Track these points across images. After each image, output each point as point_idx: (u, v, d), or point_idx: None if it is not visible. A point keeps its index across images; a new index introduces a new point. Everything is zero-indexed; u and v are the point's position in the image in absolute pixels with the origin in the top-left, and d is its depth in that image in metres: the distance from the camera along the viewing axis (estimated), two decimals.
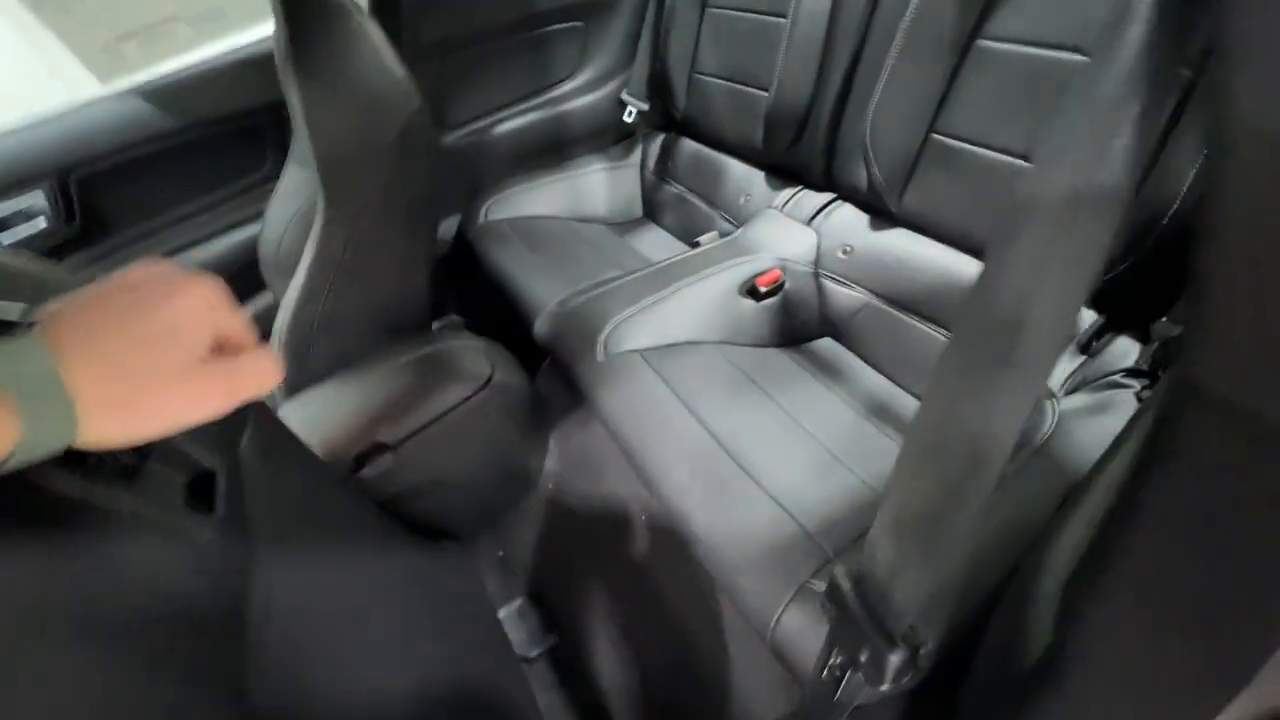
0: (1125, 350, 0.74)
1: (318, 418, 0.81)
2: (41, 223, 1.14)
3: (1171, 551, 0.29)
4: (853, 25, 0.99)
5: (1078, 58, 0.74)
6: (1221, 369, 0.26)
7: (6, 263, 0.46)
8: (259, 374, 0.32)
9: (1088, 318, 0.77)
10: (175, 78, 1.20)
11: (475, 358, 0.91)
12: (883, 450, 0.82)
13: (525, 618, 0.96)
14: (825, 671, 0.44)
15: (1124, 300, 0.73)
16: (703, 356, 0.95)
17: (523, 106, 1.46)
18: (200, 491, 0.46)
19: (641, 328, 0.97)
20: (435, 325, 1.21)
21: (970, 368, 0.34)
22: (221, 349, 0.32)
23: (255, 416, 0.56)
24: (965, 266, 0.90)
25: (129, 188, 1.22)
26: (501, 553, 1.01)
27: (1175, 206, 0.64)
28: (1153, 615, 0.31)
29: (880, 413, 0.90)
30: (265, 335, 1.09)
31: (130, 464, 0.40)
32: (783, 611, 0.61)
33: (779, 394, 0.90)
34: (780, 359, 1.01)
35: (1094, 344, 0.76)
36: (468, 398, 0.87)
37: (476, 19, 1.32)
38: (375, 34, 0.82)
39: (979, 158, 0.85)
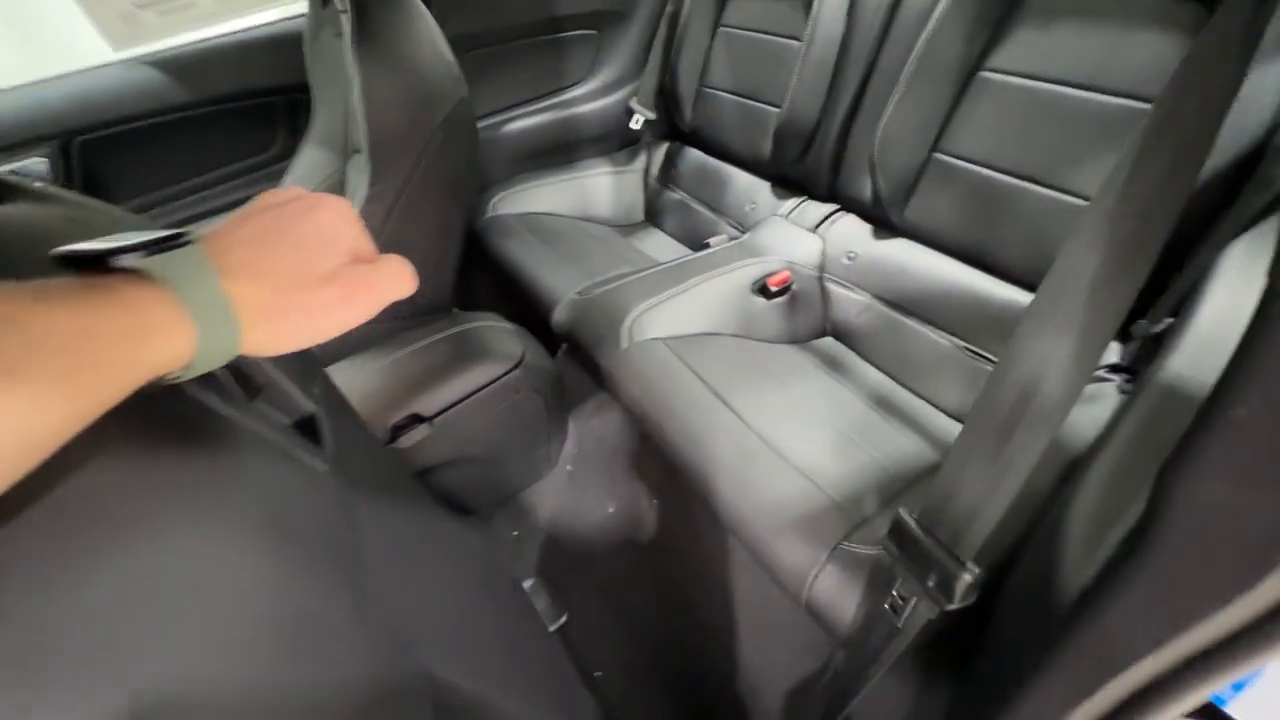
0: (1107, 349, 0.83)
1: (355, 387, 0.82)
2: (37, 185, 1.10)
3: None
4: (864, 51, 1.08)
5: (1070, 90, 0.84)
6: None
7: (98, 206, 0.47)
8: (397, 277, 0.34)
9: None
10: (189, 50, 1.19)
11: (507, 338, 0.94)
12: (891, 437, 0.89)
13: (537, 596, 0.98)
14: (887, 604, 0.49)
15: None
16: (722, 346, 1.00)
17: (534, 107, 1.50)
18: (306, 432, 0.48)
19: (662, 318, 1.01)
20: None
21: (1041, 333, 0.40)
22: (357, 262, 0.33)
23: (321, 374, 0.58)
24: (961, 274, 0.99)
25: (133, 157, 1.20)
26: (516, 532, 1.03)
27: None
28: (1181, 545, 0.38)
29: (885, 405, 0.97)
30: None
31: (249, 392, 0.42)
32: (819, 572, 0.66)
33: (794, 384, 0.96)
34: (791, 354, 1.07)
35: None
36: (502, 375, 0.89)
37: (496, 19, 1.36)
38: (431, 23, 0.86)
39: (977, 176, 0.95)
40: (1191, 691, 0.29)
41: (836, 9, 1.09)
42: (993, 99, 0.92)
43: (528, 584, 0.99)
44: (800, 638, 0.77)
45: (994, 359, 0.93)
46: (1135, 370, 0.79)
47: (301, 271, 0.30)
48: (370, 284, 0.32)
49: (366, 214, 0.87)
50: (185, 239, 0.28)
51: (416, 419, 0.83)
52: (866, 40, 1.07)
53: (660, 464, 0.97)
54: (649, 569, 0.99)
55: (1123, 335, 0.82)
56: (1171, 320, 0.72)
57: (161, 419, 0.31)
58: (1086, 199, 0.83)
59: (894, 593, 0.49)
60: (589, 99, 1.54)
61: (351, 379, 0.83)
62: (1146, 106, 0.78)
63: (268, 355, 0.31)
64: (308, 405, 0.49)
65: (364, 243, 0.34)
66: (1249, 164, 0.68)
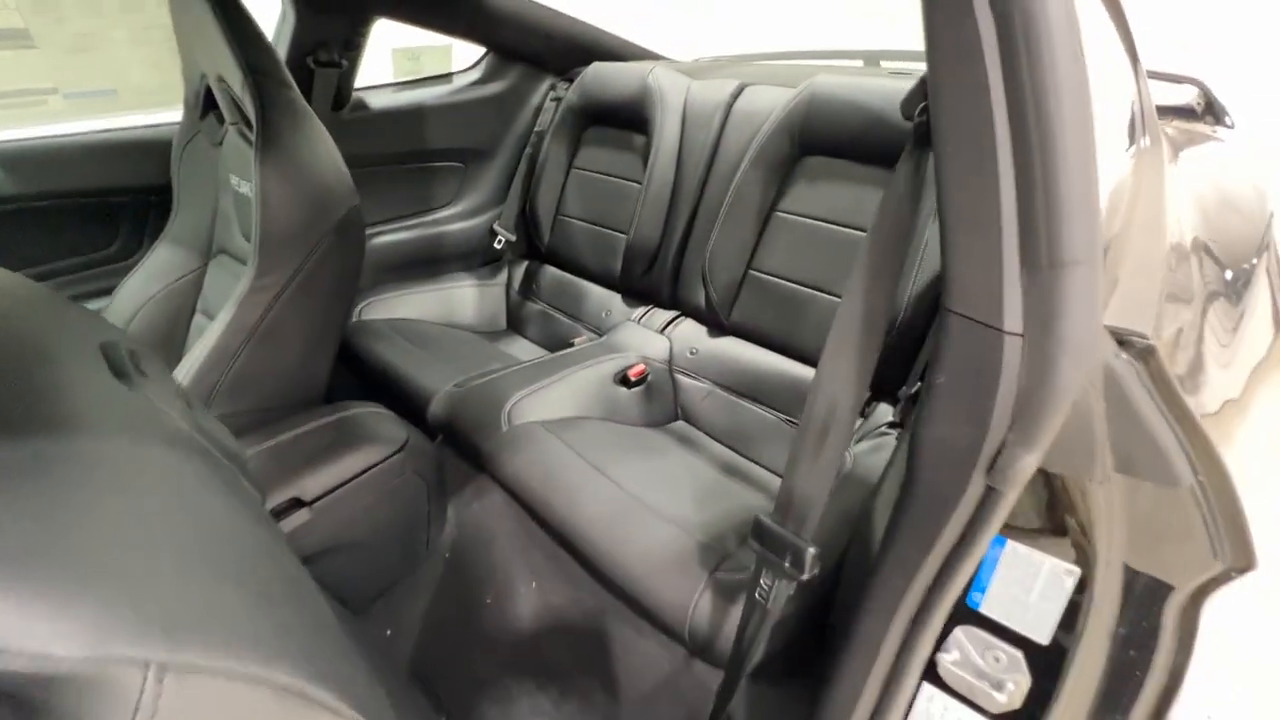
0: (884, 411, 1.10)
1: None
2: None
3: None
4: (690, 192, 1.37)
5: (833, 226, 1.16)
6: None
7: None
8: None
9: None
10: (28, 145, 1.15)
11: (390, 423, 0.97)
12: (739, 494, 1.05)
13: (414, 698, 0.94)
14: (756, 594, 0.61)
15: (880, 378, 1.10)
16: (593, 427, 1.12)
17: (402, 224, 1.61)
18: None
19: (538, 405, 1.11)
20: None
21: (832, 371, 0.59)
22: None
23: None
24: (777, 362, 1.23)
25: None
26: (390, 631, 0.98)
27: (900, 317, 1.03)
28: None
29: (731, 471, 1.14)
30: None
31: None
32: (698, 601, 0.76)
33: (657, 457, 1.10)
34: (650, 434, 1.22)
35: (865, 409, 1.11)
36: (386, 458, 0.91)
37: (371, 145, 1.49)
38: (328, 138, 0.96)
39: (781, 286, 1.23)
40: (954, 581, 0.45)
41: (668, 160, 1.39)
42: (787, 231, 1.23)
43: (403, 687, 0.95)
44: (685, 682, 0.84)
45: None
46: (905, 424, 1.05)
47: None
48: None
49: (247, 304, 0.89)
50: None
51: (297, 503, 0.82)
52: (692, 184, 1.37)
53: (541, 547, 1.02)
54: (530, 656, 1.00)
55: (892, 399, 1.09)
56: (920, 383, 1.00)
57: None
58: None
59: (761, 583, 0.61)
60: (454, 220, 1.69)
61: None
62: None
63: None
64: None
65: None
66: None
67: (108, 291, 1.20)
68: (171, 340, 1.17)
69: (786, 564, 0.58)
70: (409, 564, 1.00)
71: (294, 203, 0.89)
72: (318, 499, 0.84)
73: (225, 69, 0.91)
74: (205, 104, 1.09)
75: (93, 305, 1.20)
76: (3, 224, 1.11)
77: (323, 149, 0.93)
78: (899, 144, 1.09)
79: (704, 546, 0.84)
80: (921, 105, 0.52)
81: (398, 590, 1.00)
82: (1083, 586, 0.47)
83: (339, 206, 0.94)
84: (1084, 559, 0.47)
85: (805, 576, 0.57)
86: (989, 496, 0.43)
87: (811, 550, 0.57)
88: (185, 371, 0.86)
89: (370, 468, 0.89)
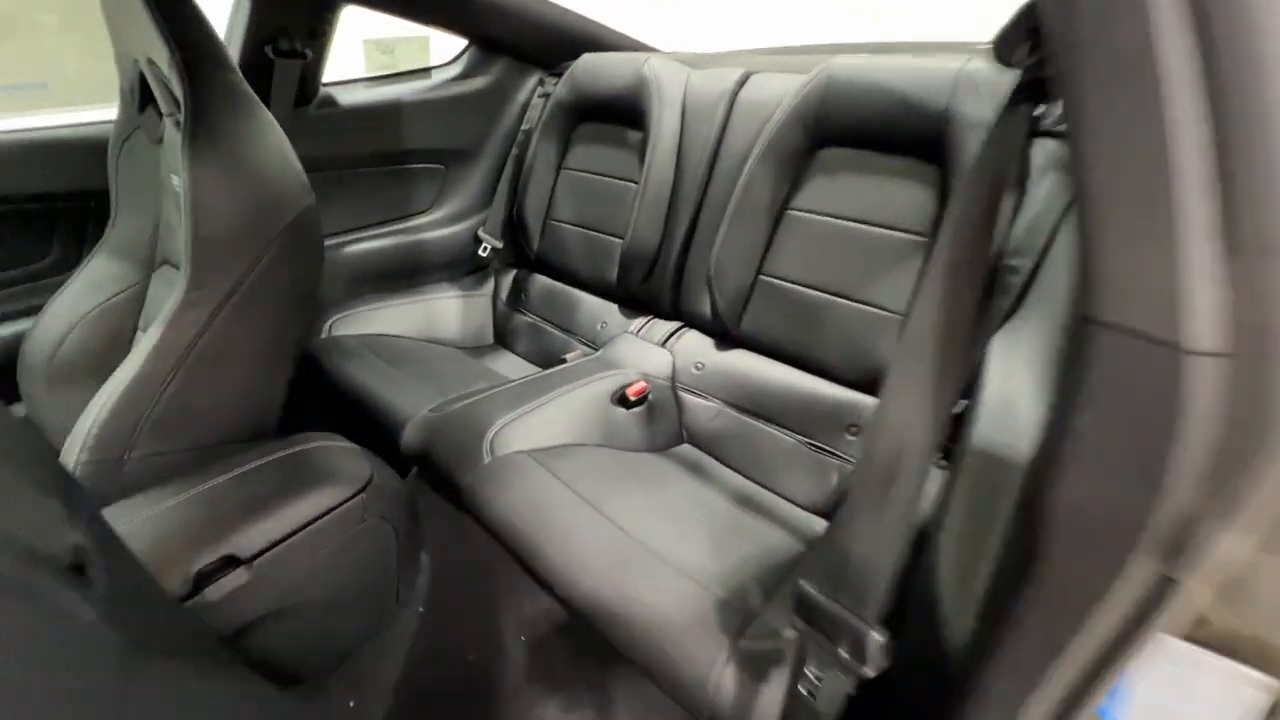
0: None
1: (148, 529, 0.65)
2: None
3: None
4: (692, 191, 1.24)
5: (854, 224, 1.04)
6: None
7: None
8: None
9: None
10: None
11: (351, 458, 0.83)
12: (758, 531, 0.91)
13: None
14: (801, 687, 0.48)
15: None
16: (588, 456, 0.98)
17: (377, 231, 1.48)
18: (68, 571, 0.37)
19: (525, 431, 0.98)
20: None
21: (901, 399, 0.46)
22: None
23: (89, 511, 0.47)
24: (793, 377, 1.10)
25: None
26: (353, 703, 0.84)
27: None
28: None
29: (746, 503, 1.01)
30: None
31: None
32: (720, 676, 0.63)
33: (661, 489, 0.96)
34: (653, 461, 1.08)
35: None
36: (344, 501, 0.77)
37: (343, 146, 1.36)
38: (278, 130, 0.83)
39: (796, 293, 1.10)
40: (1094, 691, 0.32)
41: (667, 157, 1.26)
42: (800, 231, 1.10)
43: None
44: None
45: (832, 450, 1.03)
46: (947, 449, 0.92)
47: None
48: None
49: (178, 322, 0.75)
50: None
51: (230, 562, 0.68)
52: (693, 182, 1.24)
53: (532, 592, 0.88)
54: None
55: None
56: (965, 402, 0.87)
57: None
58: (879, 307, 1.00)
59: (807, 672, 0.48)
60: (435, 226, 1.56)
61: (142, 519, 0.66)
62: (908, 236, 0.98)
63: None
64: (68, 539, 0.38)
65: None
66: (991, 277, 0.88)
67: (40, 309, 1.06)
68: (108, 365, 1.02)
69: (843, 651, 0.45)
70: (377, 622, 0.86)
71: (233, 201, 0.75)
72: (258, 555, 0.69)
73: (154, 48, 0.78)
74: (143, 95, 0.96)
75: (24, 325, 1.06)
76: None
77: (270, 140, 0.80)
78: (931, 132, 0.98)
79: (723, 605, 0.70)
80: (1028, 45, 0.39)
81: (363, 653, 0.86)
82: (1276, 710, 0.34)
83: (289, 207, 0.81)
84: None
85: (870, 672, 0.44)
86: (1162, 589, 0.30)
87: (878, 638, 0.43)
88: (101, 406, 0.73)
89: (324, 514, 0.75)
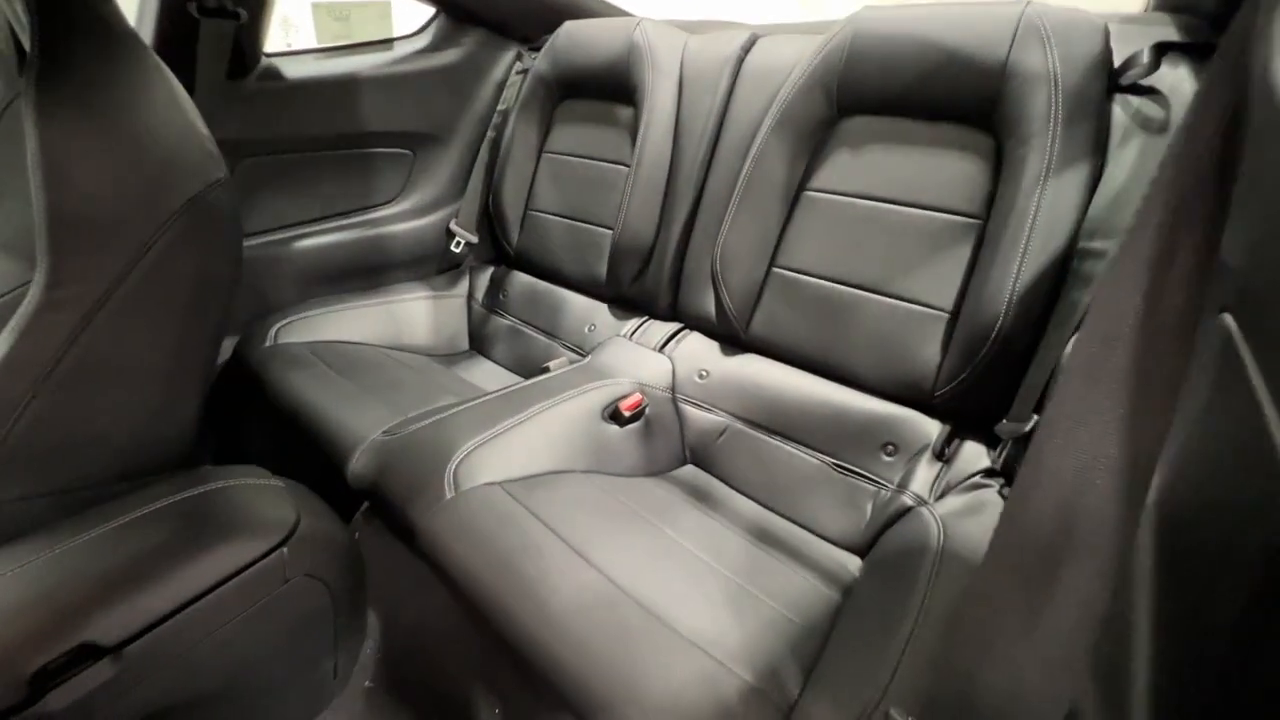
0: (976, 453, 0.80)
1: None
2: None
3: None
4: (692, 173, 1.08)
5: (887, 205, 0.88)
6: None
7: None
8: None
9: (935, 427, 0.84)
10: None
11: (273, 499, 0.65)
12: (784, 577, 0.74)
13: None
14: None
15: (965, 408, 0.81)
16: (574, 486, 0.81)
17: (332, 225, 1.30)
18: None
19: (497, 457, 0.81)
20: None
21: (1078, 430, 0.29)
22: None
23: None
24: (816, 386, 0.94)
25: None
26: None
27: (1000, 324, 0.74)
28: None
29: (764, 537, 0.84)
30: None
31: None
32: None
33: (665, 524, 0.79)
34: (652, 487, 0.91)
35: (945, 450, 0.82)
36: (259, 558, 0.60)
37: (286, 126, 1.18)
38: (177, 86, 0.66)
39: (817, 287, 0.94)
40: None
41: (662, 135, 1.10)
42: (820, 215, 0.94)
43: None
44: None
45: (864, 473, 0.87)
46: (1009, 473, 0.76)
47: None
48: None
49: (37, 330, 0.58)
50: None
51: (87, 652, 0.50)
52: (694, 162, 1.08)
53: (507, 656, 0.71)
54: None
55: (988, 438, 0.80)
56: (1038, 417, 0.71)
57: None
58: (920, 304, 0.85)
59: None
60: (401, 219, 1.38)
61: None
62: (955, 218, 0.82)
63: None
64: None
65: None
66: (1064, 264, 0.72)
67: None
68: None
69: None
70: (310, 708, 0.68)
71: (105, 170, 0.58)
72: (129, 640, 0.51)
73: None
74: (19, 55, 0.78)
75: None
76: None
77: (160, 94, 0.63)
78: (985, 91, 0.81)
79: (752, 692, 0.53)
80: None
81: None
82: None
83: (190, 181, 0.64)
84: None
85: None
86: None
87: None
88: None
89: (230, 576, 0.57)
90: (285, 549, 0.61)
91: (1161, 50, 0.70)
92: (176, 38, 0.97)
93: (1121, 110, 0.73)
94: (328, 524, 0.71)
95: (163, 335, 0.66)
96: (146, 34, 0.98)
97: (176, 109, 0.64)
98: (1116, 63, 0.73)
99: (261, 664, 0.62)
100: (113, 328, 0.62)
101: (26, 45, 0.68)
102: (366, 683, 0.72)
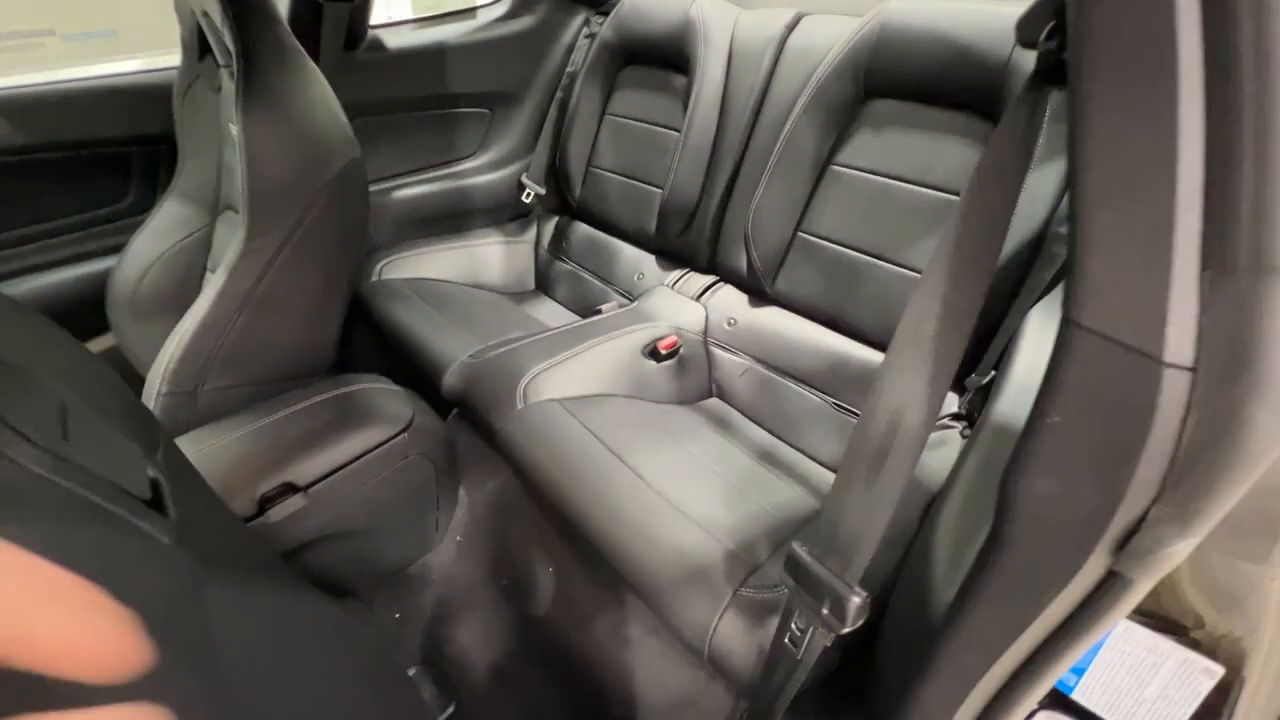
0: (948, 400, 0.96)
1: (218, 455, 0.74)
2: None
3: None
4: (735, 141, 1.22)
5: (900, 184, 1.00)
6: None
7: None
8: None
9: None
10: (35, 91, 1.09)
11: (395, 400, 0.90)
12: (776, 487, 0.94)
13: (423, 684, 0.90)
14: (787, 639, 0.51)
15: None
16: (616, 407, 1.03)
17: (423, 176, 1.51)
18: (147, 501, 0.43)
19: (557, 380, 1.02)
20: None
21: (898, 377, 0.46)
22: None
23: (164, 440, 0.53)
24: (825, 338, 1.10)
25: None
26: (398, 615, 0.94)
27: None
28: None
29: (768, 459, 1.03)
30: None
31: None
32: (720, 619, 0.67)
33: (686, 442, 1.00)
34: (681, 413, 1.11)
35: None
36: (388, 439, 0.84)
37: (388, 90, 1.38)
38: (323, 82, 0.86)
39: (834, 252, 1.08)
40: (1048, 671, 0.34)
41: (710, 105, 1.23)
42: (843, 187, 1.07)
43: (412, 671, 0.91)
44: (707, 700, 0.76)
45: (856, 411, 1.04)
46: (971, 417, 0.91)
47: None
48: None
49: (240, 269, 0.82)
50: None
51: (289, 488, 0.76)
52: (737, 132, 1.21)
53: (558, 528, 0.95)
54: (545, 645, 0.95)
55: (958, 388, 0.95)
56: (994, 373, 0.86)
57: None
58: (919, 272, 0.98)
59: (792, 626, 0.51)
60: (480, 172, 1.58)
61: (213, 447, 0.75)
62: (954, 198, 0.94)
63: None
64: (148, 471, 0.44)
65: None
66: (1036, 245, 0.84)
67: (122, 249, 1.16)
68: (183, 302, 1.12)
69: (825, 610, 0.48)
70: (418, 548, 0.95)
71: (284, 154, 0.79)
72: (314, 483, 0.78)
73: (209, 2, 0.81)
74: (201, 44, 1.00)
75: (106, 263, 1.16)
76: (12, 176, 1.06)
77: (317, 93, 0.83)
78: (990, 85, 0.92)
79: (731, 556, 0.74)
80: (1051, 25, 0.37)
81: (406, 574, 0.96)
82: (1224, 690, 0.35)
83: (337, 158, 0.85)
84: (1231, 657, 0.34)
85: (846, 630, 0.47)
86: (1112, 583, 0.31)
87: (856, 600, 0.46)
88: (176, 344, 0.80)
89: (369, 450, 0.83)
90: (406, 435, 0.86)
91: None
92: (305, 20, 1.16)
93: None
94: (432, 421, 0.95)
95: (318, 272, 0.89)
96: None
97: (325, 104, 0.85)
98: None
99: (388, 513, 0.88)
100: (286, 267, 0.85)
101: (213, 45, 0.90)
102: (458, 538, 0.98)
